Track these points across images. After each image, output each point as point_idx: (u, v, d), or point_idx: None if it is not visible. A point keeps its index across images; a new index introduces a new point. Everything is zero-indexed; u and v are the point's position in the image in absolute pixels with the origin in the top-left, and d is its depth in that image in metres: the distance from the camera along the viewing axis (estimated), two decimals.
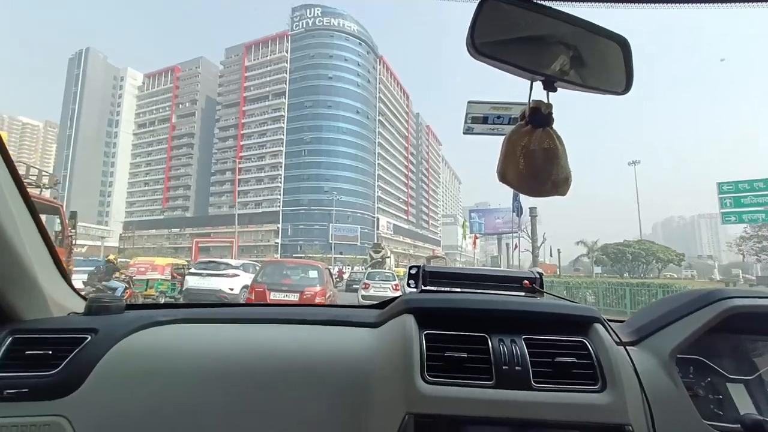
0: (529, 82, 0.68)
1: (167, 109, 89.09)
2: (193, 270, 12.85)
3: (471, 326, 0.98)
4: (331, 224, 63.43)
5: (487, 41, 0.65)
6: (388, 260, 32.84)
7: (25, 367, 0.91)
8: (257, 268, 10.07)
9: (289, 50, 76.11)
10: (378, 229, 76.57)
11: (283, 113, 74.14)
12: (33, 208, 1.00)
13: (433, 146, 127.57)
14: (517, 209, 20.87)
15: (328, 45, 74.33)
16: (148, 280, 12.38)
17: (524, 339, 0.95)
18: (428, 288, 1.20)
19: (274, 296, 6.70)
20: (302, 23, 75.90)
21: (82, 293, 1.57)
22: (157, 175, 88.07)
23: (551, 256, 39.71)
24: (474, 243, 31.90)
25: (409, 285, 1.23)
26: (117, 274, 10.71)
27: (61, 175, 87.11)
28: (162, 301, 12.23)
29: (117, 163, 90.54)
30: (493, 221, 61.80)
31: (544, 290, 1.20)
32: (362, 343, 1.03)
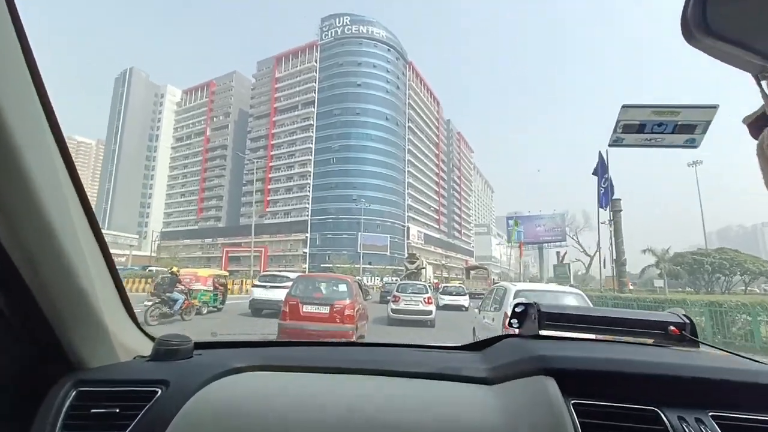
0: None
1: (202, 122, 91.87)
2: (257, 282, 14.64)
3: (631, 393, 0.74)
4: (359, 233, 61.38)
5: (725, 13, 0.41)
6: (423, 271, 30.65)
7: (91, 427, 0.80)
8: None
9: (318, 60, 76.20)
10: (408, 238, 73.71)
11: (312, 122, 73.84)
12: (101, 239, 0.88)
13: (465, 153, 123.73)
14: (605, 194, 16.66)
15: (357, 52, 73.67)
16: (191, 290, 12.57)
17: (712, 416, 0.69)
18: (548, 334, 0.95)
19: (307, 309, 7.11)
20: (331, 32, 75.95)
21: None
22: (192, 186, 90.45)
23: (604, 267, 35.22)
24: (521, 252, 28.46)
25: (511, 325, 1.05)
26: (178, 285, 11.32)
27: (104, 189, 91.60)
28: (205, 311, 13.04)
29: (156, 176, 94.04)
30: (533, 229, 56.98)
31: (699, 339, 0.93)
32: (478, 408, 0.78)
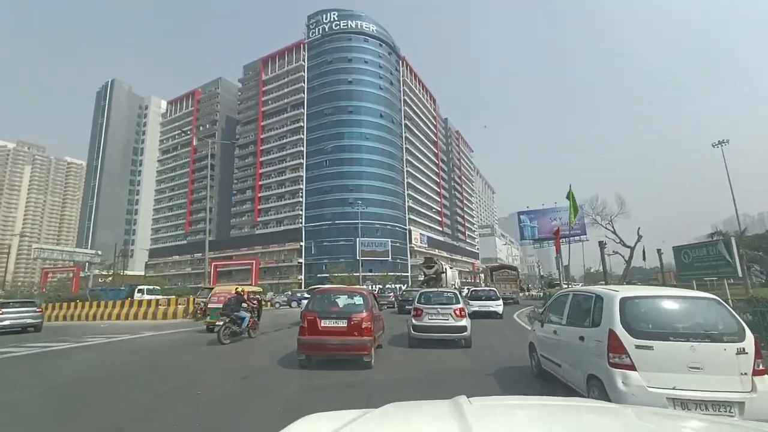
0: None
1: (188, 132, 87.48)
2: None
3: None
4: (357, 239, 56.45)
5: None
6: (443, 276, 26.29)
7: None
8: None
9: (306, 59, 72.25)
10: (411, 242, 68.78)
11: (302, 124, 69.50)
12: None
13: (465, 153, 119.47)
14: None
15: (347, 48, 69.72)
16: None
17: None
18: None
19: (325, 323, 7.08)
20: (318, 29, 72.12)
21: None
22: (180, 200, 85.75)
23: (644, 260, 30.20)
24: (557, 244, 23.56)
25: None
26: (244, 305, 11.66)
27: (87, 207, 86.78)
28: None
29: (142, 191, 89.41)
30: (548, 224, 52.16)
31: None
32: None
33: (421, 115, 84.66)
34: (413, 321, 9.54)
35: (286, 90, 72.87)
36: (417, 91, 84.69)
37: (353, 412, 1.27)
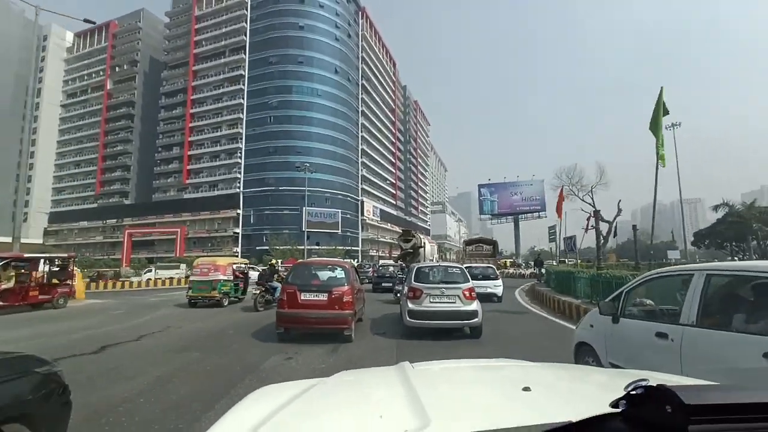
0: None
1: (101, 73, 72.64)
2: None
3: None
4: (304, 208, 49.76)
5: None
6: (422, 251, 22.63)
7: None
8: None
9: None
10: (363, 214, 63.56)
11: (242, 72, 59.57)
12: None
13: (422, 125, 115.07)
14: None
15: None
16: (212, 281, 12.41)
17: None
18: None
19: (305, 296, 6.92)
20: None
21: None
22: (89, 154, 71.73)
23: (614, 236, 27.86)
24: (559, 208, 19.47)
25: None
26: (276, 277, 12.66)
27: None
28: (226, 303, 12.70)
29: (39, 142, 73.38)
30: (508, 198, 49.44)
31: None
32: None
33: (380, 76, 77.76)
34: (409, 305, 7.32)
35: (224, 30, 61.78)
36: (377, 50, 77.29)
37: (307, 381, 1.31)
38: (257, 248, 51.35)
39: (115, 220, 64.29)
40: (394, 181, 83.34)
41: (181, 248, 50.11)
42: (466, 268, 11.81)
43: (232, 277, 13.10)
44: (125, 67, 70.56)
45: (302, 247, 43.59)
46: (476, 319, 7.18)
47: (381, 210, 71.32)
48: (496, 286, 13.49)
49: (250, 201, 56.09)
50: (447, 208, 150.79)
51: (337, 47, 61.64)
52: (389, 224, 74.89)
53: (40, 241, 64.89)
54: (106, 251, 62.62)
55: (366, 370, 1.65)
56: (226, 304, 12.67)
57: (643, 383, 0.66)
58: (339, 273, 7.45)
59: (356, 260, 45.67)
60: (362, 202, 63.90)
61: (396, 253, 66.83)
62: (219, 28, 62.22)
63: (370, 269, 24.83)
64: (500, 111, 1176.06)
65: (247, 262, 17.64)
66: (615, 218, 23.59)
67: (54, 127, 74.89)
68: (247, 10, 60.85)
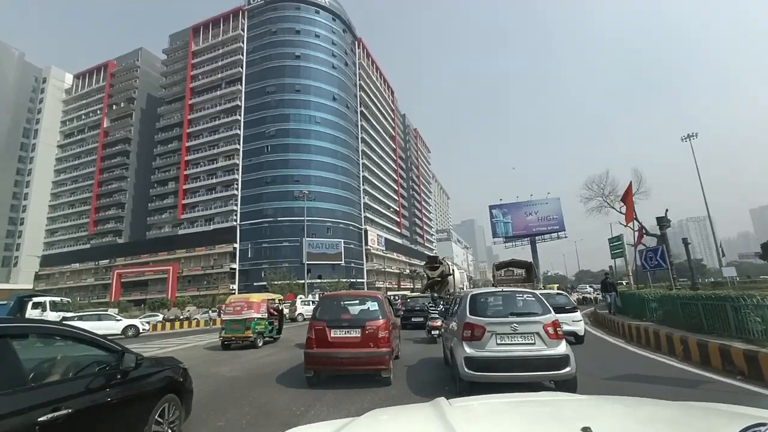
0: None
1: (99, 112, 72.15)
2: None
3: None
4: (304, 239, 46.51)
5: None
6: (451, 279, 19.94)
7: None
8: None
9: (245, 28, 61.48)
10: (367, 243, 60.18)
11: (239, 103, 58.43)
12: None
13: (423, 152, 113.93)
14: None
15: (294, 18, 60.11)
16: (245, 320, 11.65)
17: None
18: None
19: (335, 333, 6.17)
20: None
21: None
22: (84, 193, 69.76)
23: (723, 255, 23.89)
24: (629, 215, 15.89)
25: None
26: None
27: None
28: (260, 343, 11.78)
29: (33, 183, 71.79)
30: (523, 219, 45.83)
31: None
32: None
33: (378, 104, 76.92)
34: (466, 349, 5.04)
35: (220, 63, 61.37)
36: (374, 78, 76.96)
37: (339, 421, 1.27)
38: (255, 284, 47.67)
39: (107, 261, 61.10)
40: (397, 209, 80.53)
41: (173, 287, 46.61)
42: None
43: (266, 315, 12.24)
44: (122, 104, 70.05)
45: (302, 281, 39.98)
46: (568, 368, 4.95)
47: (386, 239, 67.96)
48: (575, 322, 9.76)
49: (248, 234, 53.05)
50: (453, 236, 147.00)
51: (335, 75, 60.83)
52: (395, 253, 71.26)
53: (30, 286, 61.65)
54: (97, 294, 59.07)
55: (400, 407, 1.54)
56: (260, 344, 11.69)
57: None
58: (372, 305, 6.68)
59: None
60: (366, 231, 60.69)
61: (406, 285, 62.80)
62: (215, 61, 61.88)
63: (399, 302, 21.98)
64: (499, 136, 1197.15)
65: (281, 297, 16.47)
66: (663, 230, 20.12)
67: (50, 167, 73.57)
68: (243, 42, 60.70)
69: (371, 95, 73.23)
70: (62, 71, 78.79)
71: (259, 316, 11.93)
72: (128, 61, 72.57)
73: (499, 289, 6.34)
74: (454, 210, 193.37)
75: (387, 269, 66.30)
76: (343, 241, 53.74)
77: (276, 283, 40.11)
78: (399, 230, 79.55)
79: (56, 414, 2.33)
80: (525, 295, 5.74)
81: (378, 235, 65.08)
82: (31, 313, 20.36)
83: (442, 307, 12.89)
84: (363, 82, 69.80)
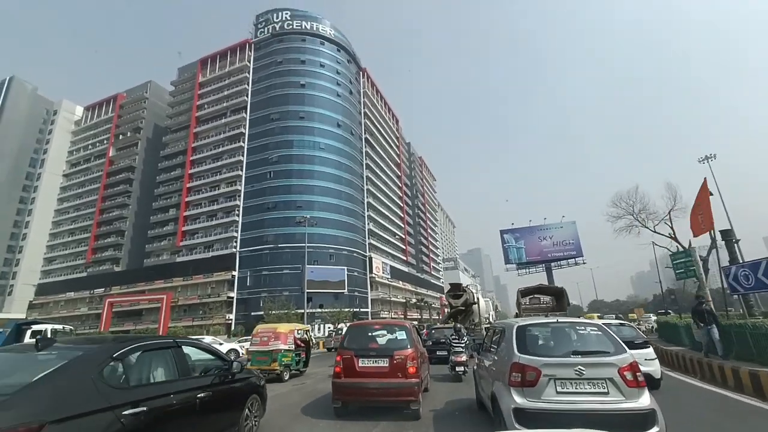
0: None
1: (105, 142, 72.85)
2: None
3: None
4: (306, 266, 44.42)
5: None
6: (475, 308, 18.25)
7: None
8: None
9: (252, 59, 62.77)
10: (371, 271, 57.81)
11: (243, 130, 58.45)
12: None
13: (428, 180, 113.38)
14: None
15: (300, 50, 61.37)
16: (272, 351, 11.18)
17: None
18: None
19: (363, 363, 6.18)
20: (268, 29, 63.52)
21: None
22: (84, 221, 68.96)
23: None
24: (708, 221, 13.64)
25: None
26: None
27: None
28: (287, 377, 11.12)
29: (35, 212, 71.36)
30: (537, 244, 43.28)
31: None
32: None
33: (383, 132, 77.07)
34: (516, 398, 4.01)
35: (226, 93, 62.16)
36: (379, 107, 77.63)
37: None
38: (253, 314, 45.19)
39: (102, 290, 59.04)
40: (403, 236, 78.55)
41: (166, 317, 44.02)
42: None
43: (293, 347, 11.71)
44: (129, 134, 70.75)
45: (301, 311, 37.51)
46: (655, 428, 3.69)
47: (391, 266, 65.53)
48: (649, 361, 7.67)
49: (247, 262, 51.11)
50: (459, 264, 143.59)
51: (339, 103, 61.15)
52: (401, 282, 68.51)
53: (24, 315, 59.43)
54: (89, 324, 56.54)
55: None
56: (286, 378, 11.03)
57: None
58: (400, 334, 6.58)
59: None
60: (370, 258, 58.50)
61: (413, 315, 59.57)
62: (221, 91, 62.72)
63: (424, 332, 20.23)
64: (504, 162, 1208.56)
65: (308, 328, 15.67)
66: (709, 252, 17.97)
67: (54, 196, 73.43)
68: (249, 73, 61.72)
69: (376, 123, 73.49)
70: (73, 104, 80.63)
71: (286, 347, 11.38)
72: (137, 93, 74.12)
73: (552, 319, 5.00)
74: (459, 239, 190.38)
75: (393, 298, 63.36)
76: (346, 268, 51.54)
77: (273, 312, 37.65)
78: (405, 258, 77.14)
79: (203, 394, 3.81)
80: (588, 328, 4.60)
81: (383, 262, 62.78)
82: (29, 340, 18.65)
83: (466, 339, 11.63)
84: (368, 110, 70.21)
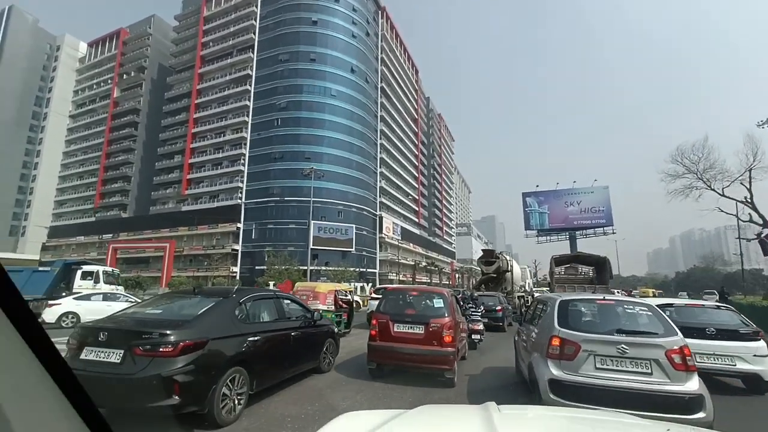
0: None
1: (110, 82, 69.42)
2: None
3: None
4: (311, 221, 41.82)
5: None
6: (509, 276, 17.00)
7: None
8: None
9: None
10: (381, 231, 55.20)
11: (250, 72, 53.99)
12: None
13: (446, 140, 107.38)
14: None
15: None
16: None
17: None
18: None
19: (398, 328, 6.23)
20: None
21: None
22: (91, 165, 67.47)
23: None
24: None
25: None
26: None
27: None
28: None
29: (44, 153, 70.10)
30: (562, 209, 39.14)
31: None
32: None
33: (401, 82, 71.13)
34: (552, 369, 4.10)
35: (232, 29, 56.96)
36: (398, 53, 71.06)
37: (389, 411, 1.30)
38: (257, 268, 43.68)
39: (111, 236, 58.47)
40: (416, 197, 75.07)
41: (169, 266, 42.93)
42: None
43: (333, 306, 11.49)
44: (133, 74, 66.94)
45: (304, 267, 35.40)
46: (702, 414, 3.58)
47: (402, 228, 62.80)
48: (758, 357, 5.67)
49: (252, 214, 48.94)
50: (473, 231, 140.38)
51: (354, 45, 55.43)
52: (411, 244, 66.06)
53: (37, 257, 59.99)
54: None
55: (449, 406, 1.57)
56: None
57: None
58: (438, 302, 6.65)
59: (370, 284, 36.99)
60: (381, 218, 55.67)
61: (422, 278, 57.44)
62: (227, 27, 57.51)
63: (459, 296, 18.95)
64: (525, 126, 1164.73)
65: (351, 288, 15.37)
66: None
67: (61, 137, 71.70)
68: (257, 6, 55.97)
69: (393, 71, 67.51)
70: (76, 40, 76.53)
71: (325, 308, 11.01)
72: (140, 29, 69.25)
73: (599, 295, 4.85)
74: (474, 205, 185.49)
75: (402, 260, 61.26)
76: (354, 226, 48.95)
77: (275, 267, 35.71)
78: (417, 220, 74.18)
79: (294, 333, 5.47)
80: (638, 308, 4.50)
81: (394, 223, 59.97)
82: (80, 284, 16.80)
83: (483, 308, 11.67)
84: (385, 56, 64.13)
